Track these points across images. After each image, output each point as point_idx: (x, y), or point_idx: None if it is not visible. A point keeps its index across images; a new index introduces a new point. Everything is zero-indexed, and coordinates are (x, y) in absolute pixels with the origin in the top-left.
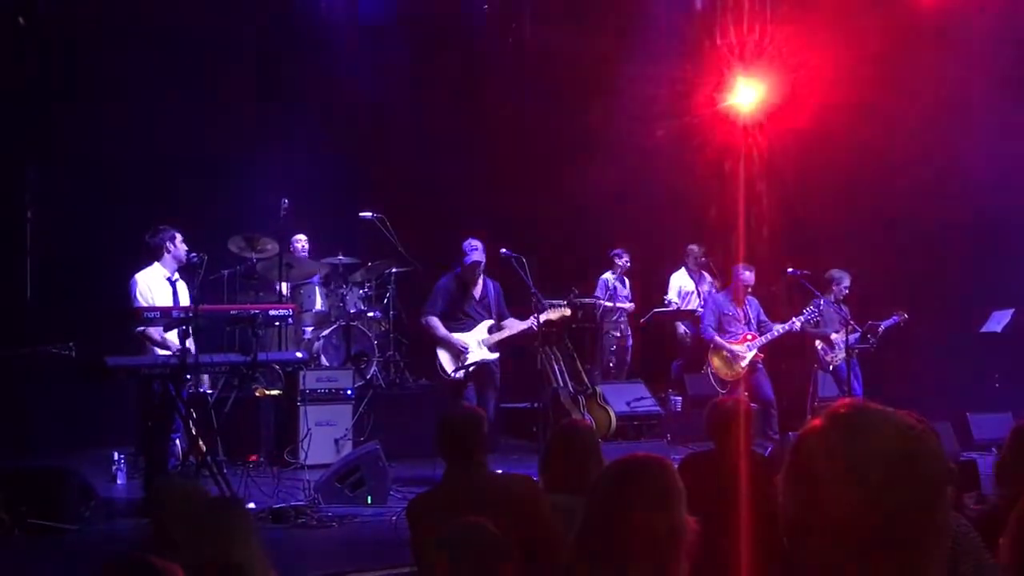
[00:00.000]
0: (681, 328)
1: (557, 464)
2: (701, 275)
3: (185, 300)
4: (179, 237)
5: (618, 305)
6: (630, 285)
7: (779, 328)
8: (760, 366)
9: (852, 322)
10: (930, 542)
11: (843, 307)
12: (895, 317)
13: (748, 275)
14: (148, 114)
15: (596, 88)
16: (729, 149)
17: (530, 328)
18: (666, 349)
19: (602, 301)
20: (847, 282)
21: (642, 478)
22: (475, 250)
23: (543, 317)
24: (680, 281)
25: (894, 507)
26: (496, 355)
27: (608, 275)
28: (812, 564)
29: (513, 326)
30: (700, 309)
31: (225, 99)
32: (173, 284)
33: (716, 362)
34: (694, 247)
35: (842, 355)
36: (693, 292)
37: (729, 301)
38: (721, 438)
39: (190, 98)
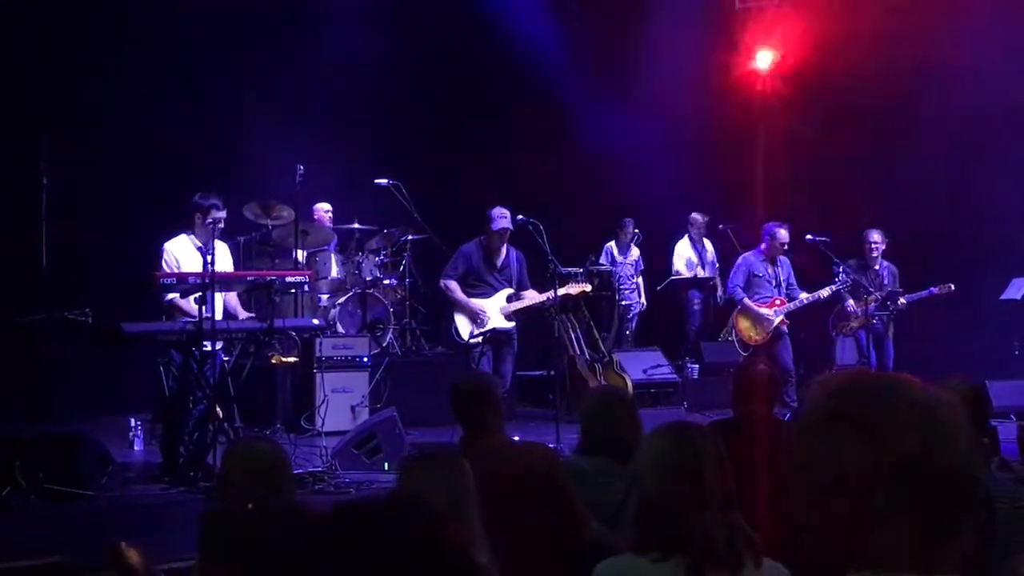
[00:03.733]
0: (695, 298)
1: (596, 427)
2: (703, 245)
3: (225, 265)
4: (215, 211)
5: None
6: (641, 253)
7: (805, 297)
8: (785, 331)
9: (874, 290)
10: (970, 503)
11: (884, 265)
12: (932, 289)
13: (783, 233)
14: (164, 80)
15: (617, 53)
16: (749, 115)
17: (549, 300)
18: (681, 317)
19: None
20: (873, 236)
21: (708, 437)
22: (503, 217)
23: (563, 291)
24: (686, 252)
25: (958, 451)
26: (512, 324)
27: (611, 244)
28: (857, 524)
29: (533, 297)
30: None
31: (240, 65)
32: (204, 252)
33: (743, 324)
34: (697, 216)
35: (856, 323)
36: (698, 263)
37: (761, 261)
38: (745, 405)
39: (206, 64)
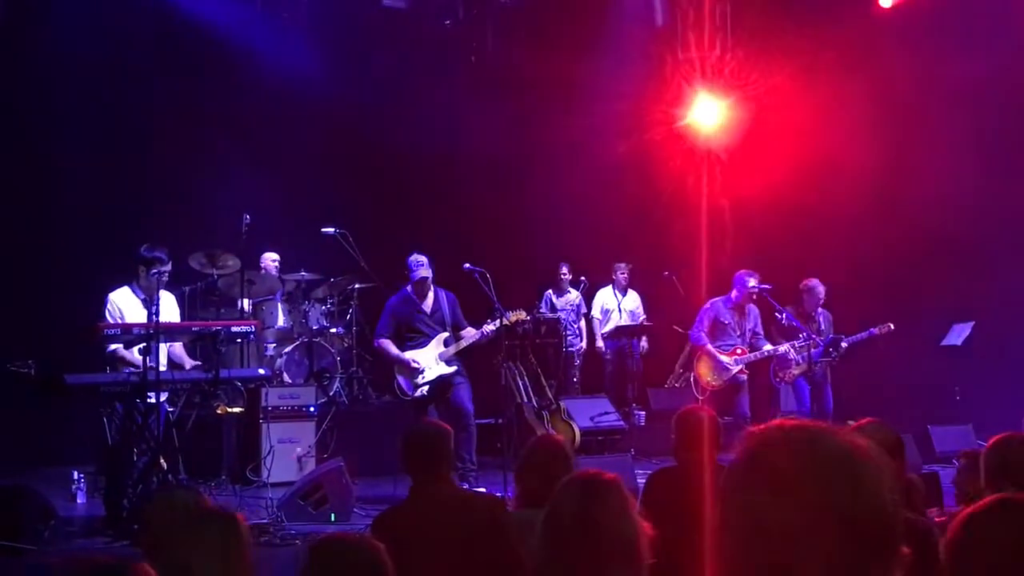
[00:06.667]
0: (599, 343)
1: (532, 479)
2: (626, 292)
3: (171, 315)
4: (160, 265)
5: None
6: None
7: (768, 349)
8: (744, 380)
9: (814, 335)
10: (894, 548)
11: (820, 312)
12: (872, 330)
13: (752, 282)
14: (108, 128)
15: (557, 104)
16: (690, 165)
17: (482, 335)
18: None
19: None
20: (819, 289)
21: (608, 490)
22: (420, 266)
23: (492, 326)
24: (603, 298)
25: (878, 500)
26: (454, 368)
27: (549, 291)
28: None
29: (470, 335)
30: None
31: (186, 114)
32: (147, 305)
33: (702, 369)
34: (620, 264)
35: (798, 370)
36: (614, 309)
37: (728, 309)
38: (687, 452)
39: (151, 113)
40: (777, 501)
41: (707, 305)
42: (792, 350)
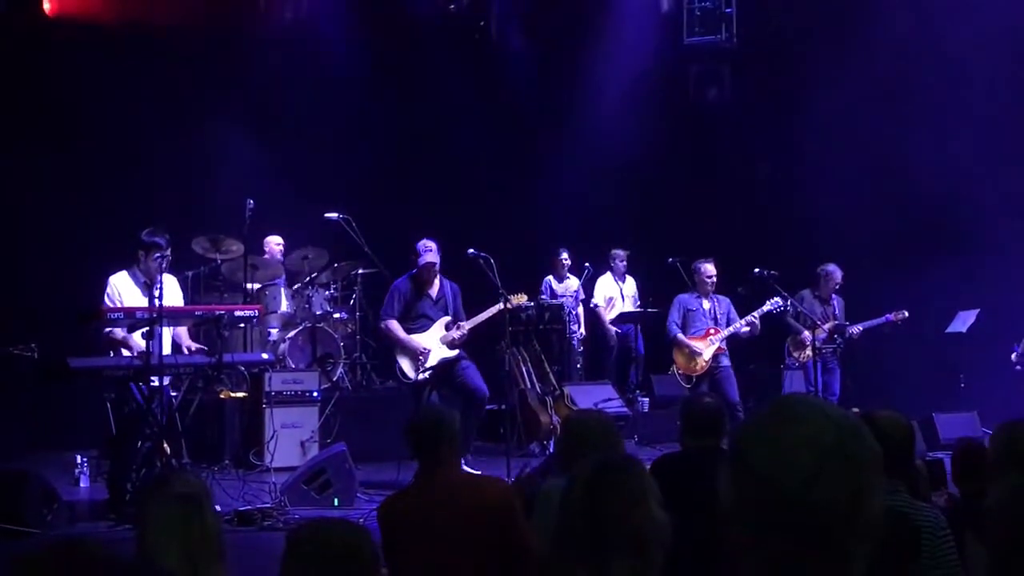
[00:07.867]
0: (611, 330)
1: (574, 449)
2: (624, 278)
3: (174, 298)
4: (159, 252)
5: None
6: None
7: (739, 324)
8: (727, 364)
9: (820, 322)
10: (858, 534)
11: (835, 300)
12: (888, 316)
13: (707, 267)
14: (113, 113)
15: (560, 89)
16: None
17: (487, 318)
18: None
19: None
20: (837, 275)
21: (620, 476)
22: (428, 251)
23: (492, 311)
24: (605, 286)
25: (824, 494)
26: (456, 352)
27: (549, 277)
28: (747, 553)
29: (469, 324)
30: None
31: (188, 100)
32: (147, 289)
33: (679, 359)
34: (618, 251)
35: (808, 353)
36: (617, 296)
37: (694, 297)
38: (692, 438)
39: (154, 99)
40: (731, 486)
41: (675, 299)
42: (753, 323)
